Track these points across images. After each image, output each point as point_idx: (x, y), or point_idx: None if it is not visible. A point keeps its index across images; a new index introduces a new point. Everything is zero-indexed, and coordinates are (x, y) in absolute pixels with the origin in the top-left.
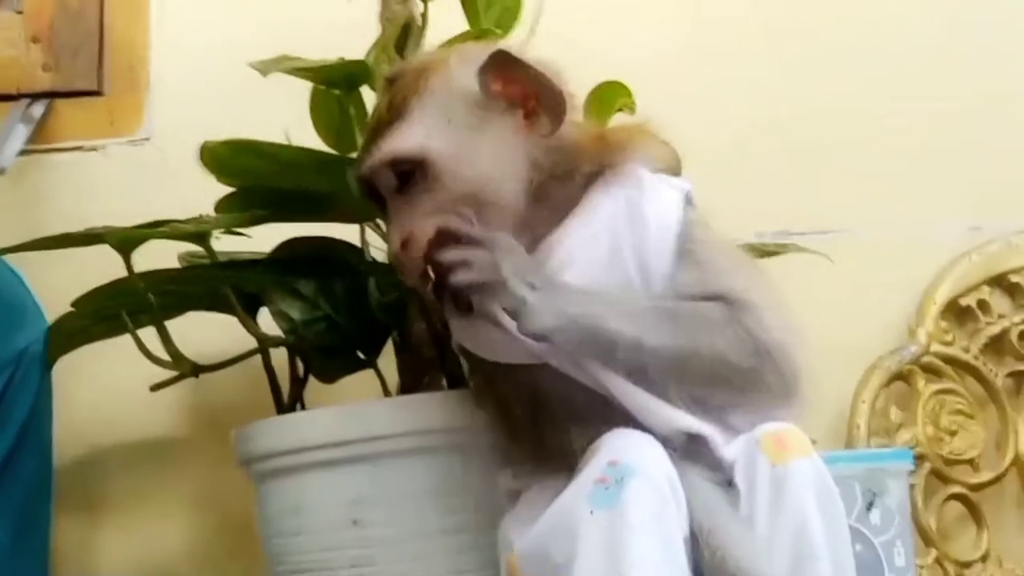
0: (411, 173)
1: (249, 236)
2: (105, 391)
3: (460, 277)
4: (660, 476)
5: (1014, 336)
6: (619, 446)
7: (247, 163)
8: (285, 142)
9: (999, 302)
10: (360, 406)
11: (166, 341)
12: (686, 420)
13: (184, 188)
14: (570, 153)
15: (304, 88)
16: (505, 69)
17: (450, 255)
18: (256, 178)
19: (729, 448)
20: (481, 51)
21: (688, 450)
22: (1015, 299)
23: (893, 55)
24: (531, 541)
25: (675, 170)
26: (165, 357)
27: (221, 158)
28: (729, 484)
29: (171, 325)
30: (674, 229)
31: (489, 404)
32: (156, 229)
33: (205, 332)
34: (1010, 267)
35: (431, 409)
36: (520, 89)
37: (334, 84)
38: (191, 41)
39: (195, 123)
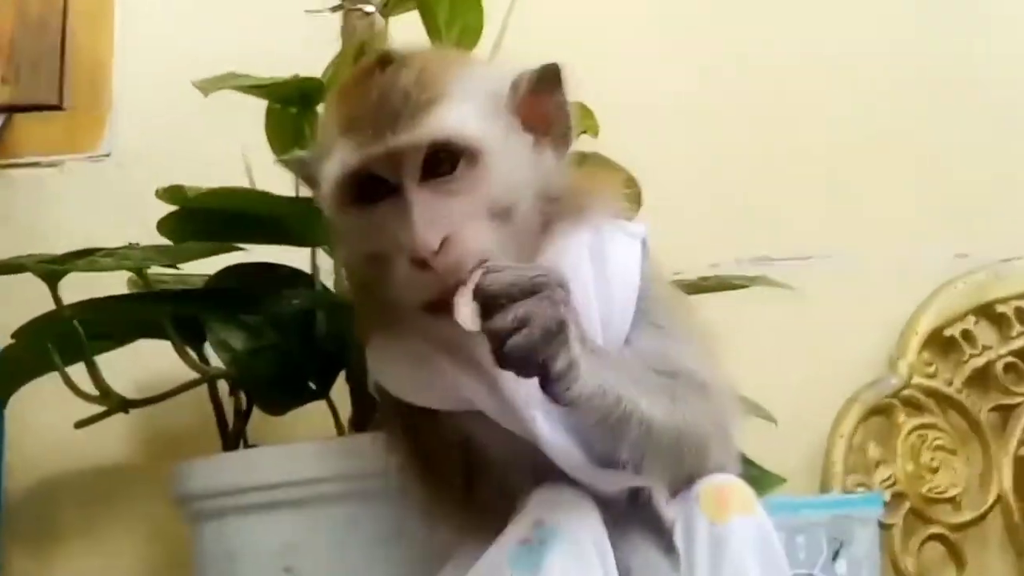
0: (448, 162)
1: (178, 270)
2: (57, 422)
3: (521, 340)
4: (586, 540)
5: (999, 369)
6: (547, 505)
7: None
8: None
9: (985, 333)
10: (293, 447)
11: (94, 375)
12: (631, 478)
13: (145, 205)
14: (558, 189)
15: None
16: (546, 86)
17: (512, 314)
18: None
19: (672, 506)
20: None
21: (631, 510)
22: (1002, 330)
23: (877, 78)
24: None
25: (633, 211)
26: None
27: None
28: (671, 545)
29: (120, 354)
30: (635, 285)
31: (410, 454)
32: (77, 261)
33: (157, 362)
34: (997, 296)
35: (368, 451)
36: (543, 112)
37: (289, 102)
38: (155, 57)
39: (157, 140)
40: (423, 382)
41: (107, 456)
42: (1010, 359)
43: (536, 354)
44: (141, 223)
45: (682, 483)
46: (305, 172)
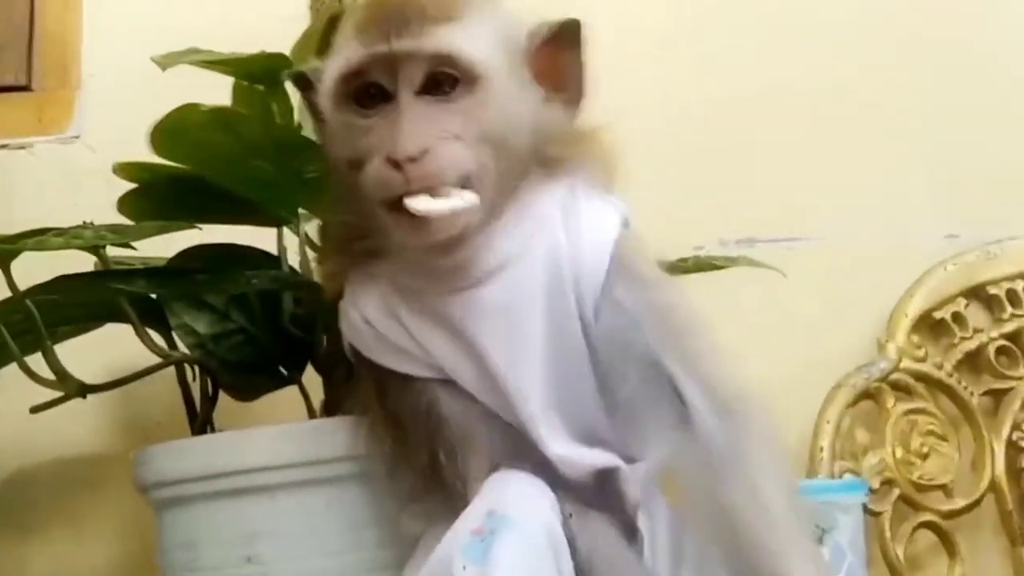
0: (449, 83)
1: (135, 249)
2: (21, 409)
3: None
4: (537, 530)
5: (992, 352)
6: (499, 492)
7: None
8: None
9: (976, 315)
10: (253, 432)
11: (50, 360)
12: (598, 456)
13: (115, 187)
14: (554, 144)
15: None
16: (563, 43)
17: None
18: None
19: (635, 484)
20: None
21: (595, 494)
22: (993, 312)
23: (866, 55)
24: None
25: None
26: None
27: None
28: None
29: (88, 340)
30: (610, 244)
31: (379, 423)
32: (27, 241)
33: (127, 347)
34: (988, 278)
35: (332, 436)
36: (557, 68)
37: (256, 79)
38: (124, 37)
39: (128, 121)
40: (397, 344)
41: (77, 443)
42: (1002, 342)
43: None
44: (111, 205)
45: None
46: (307, 84)
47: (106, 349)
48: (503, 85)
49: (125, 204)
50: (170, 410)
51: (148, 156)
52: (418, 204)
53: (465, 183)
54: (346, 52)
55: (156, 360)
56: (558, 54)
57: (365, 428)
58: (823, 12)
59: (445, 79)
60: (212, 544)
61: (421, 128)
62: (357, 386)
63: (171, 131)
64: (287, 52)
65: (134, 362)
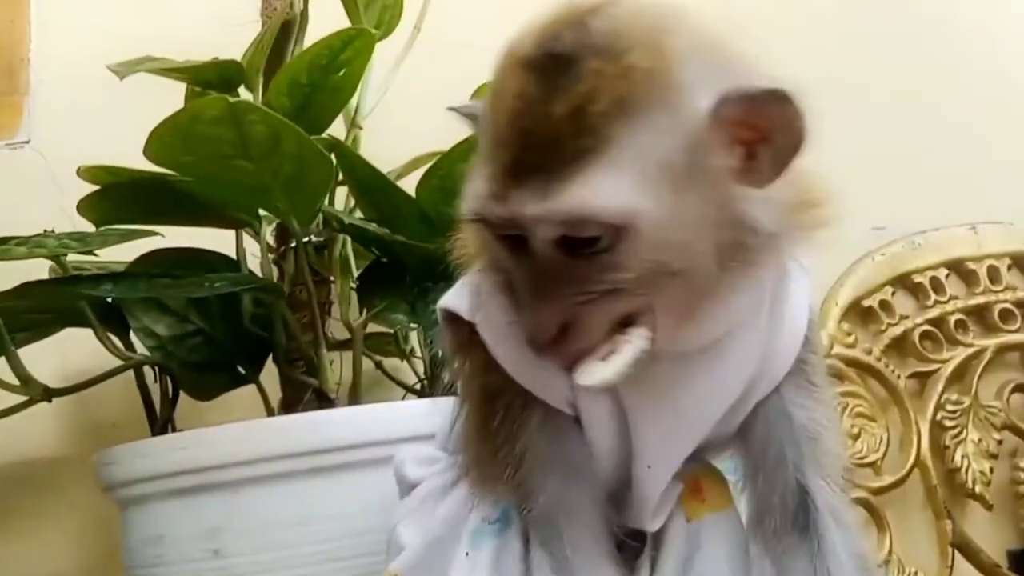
0: (588, 241)
1: (96, 256)
2: None
3: None
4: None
5: (916, 337)
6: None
7: None
8: None
9: (902, 302)
10: (218, 430)
11: (14, 364)
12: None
13: (66, 192)
14: (762, 222)
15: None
16: (764, 106)
17: None
18: None
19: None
20: (711, 54)
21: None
22: (918, 299)
23: (791, 50)
24: (410, 568)
25: None
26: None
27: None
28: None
29: (45, 345)
30: (802, 333)
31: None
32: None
33: (83, 351)
34: (913, 267)
35: (293, 432)
36: (757, 128)
37: (210, 85)
38: (73, 42)
39: (78, 126)
40: (542, 378)
41: (35, 447)
42: (927, 327)
43: None
44: (60, 210)
45: None
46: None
47: (61, 353)
48: (668, 214)
49: (85, 206)
50: (127, 412)
51: (99, 160)
52: (584, 380)
53: (629, 321)
54: (476, 184)
55: (115, 363)
56: (764, 109)
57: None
58: (753, 9)
59: (588, 229)
60: (179, 539)
61: (558, 300)
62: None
63: (178, 127)
64: (237, 56)
65: (89, 365)
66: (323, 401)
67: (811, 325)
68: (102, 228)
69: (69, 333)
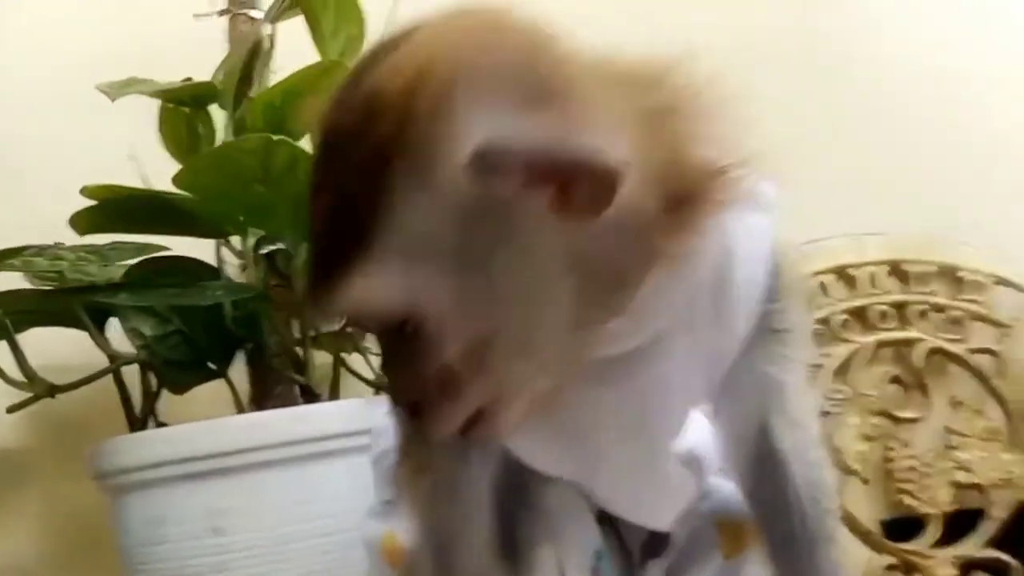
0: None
1: (106, 264)
2: None
3: None
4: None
5: None
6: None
7: None
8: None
9: None
10: (217, 422)
11: (21, 362)
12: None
13: (29, 203)
14: (630, 231)
15: (151, 102)
16: (509, 161)
17: None
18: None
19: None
20: (497, 100)
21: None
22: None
23: (733, 58)
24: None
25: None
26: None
27: None
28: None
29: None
30: (759, 290)
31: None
32: (12, 260)
33: (50, 347)
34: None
35: (286, 422)
36: (544, 173)
37: (184, 103)
38: (36, 55)
39: (40, 137)
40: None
41: (5, 442)
42: (816, 326)
43: None
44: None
45: None
46: None
47: (39, 351)
48: (459, 278)
49: (80, 219)
50: (92, 409)
51: (67, 173)
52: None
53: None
54: None
55: (74, 361)
56: (526, 168)
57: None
58: (686, 28)
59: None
60: (179, 520)
61: (403, 378)
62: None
63: (215, 157)
64: (198, 69)
65: (71, 363)
66: (308, 396)
67: (776, 271)
68: (113, 242)
69: (40, 332)
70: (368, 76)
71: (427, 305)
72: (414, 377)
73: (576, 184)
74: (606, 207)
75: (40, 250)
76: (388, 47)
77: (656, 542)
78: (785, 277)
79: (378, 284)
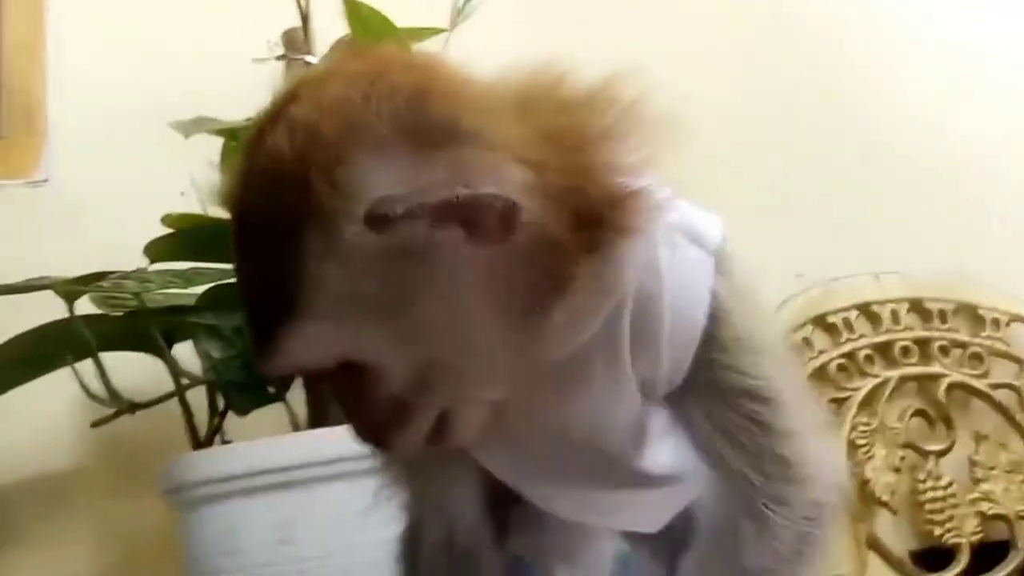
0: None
1: (186, 291)
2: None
3: None
4: None
5: (832, 368)
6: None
7: None
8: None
9: (820, 339)
10: (285, 437)
11: (105, 381)
12: None
13: (82, 231)
14: (540, 252)
15: (200, 135)
16: (409, 210)
17: None
18: None
19: None
20: (396, 150)
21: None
22: (833, 336)
23: (715, 104)
24: None
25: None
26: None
27: None
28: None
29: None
30: (699, 328)
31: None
32: (98, 284)
33: (117, 371)
34: (829, 309)
35: (346, 438)
36: (446, 213)
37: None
38: (89, 86)
39: (96, 167)
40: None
41: (58, 463)
42: (840, 360)
43: None
44: (75, 247)
45: None
46: None
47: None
48: (385, 321)
49: (157, 247)
50: (147, 431)
51: (115, 202)
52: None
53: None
54: None
55: (160, 384)
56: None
57: None
58: (673, 63)
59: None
60: (250, 531)
61: (357, 412)
62: None
63: None
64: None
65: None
66: None
67: (719, 318)
68: (193, 266)
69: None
70: (264, 145)
71: (362, 353)
72: (368, 410)
73: (479, 216)
74: (512, 234)
75: (125, 275)
76: (279, 111)
77: (681, 533)
78: (734, 329)
79: (309, 343)
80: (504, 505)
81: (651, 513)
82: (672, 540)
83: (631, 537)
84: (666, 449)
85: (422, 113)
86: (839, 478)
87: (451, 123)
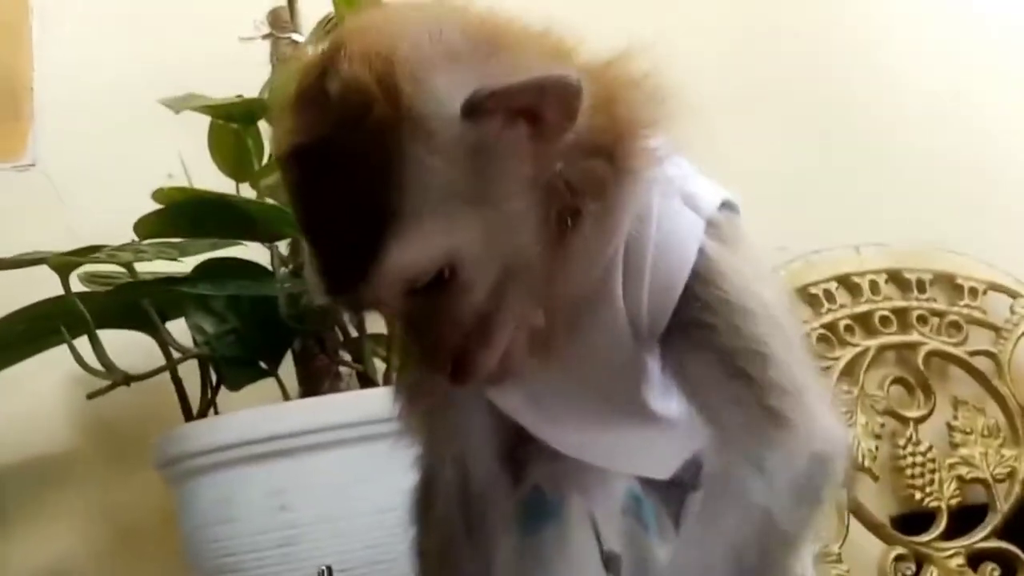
0: (430, 282)
1: (182, 261)
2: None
3: None
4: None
5: (814, 339)
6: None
7: None
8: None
9: (801, 310)
10: (277, 406)
11: (100, 354)
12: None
13: (69, 213)
14: (588, 150)
15: (185, 114)
16: (513, 94)
17: None
18: None
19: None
20: (435, 56)
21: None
22: (814, 307)
23: (700, 76)
24: None
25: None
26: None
27: None
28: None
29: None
30: (679, 279)
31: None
32: (93, 255)
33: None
34: (810, 280)
35: (342, 405)
36: (520, 102)
37: (234, 119)
38: (75, 68)
39: (82, 149)
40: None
41: (52, 439)
42: (821, 331)
43: None
44: (65, 229)
45: None
46: None
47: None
48: (480, 214)
49: (146, 224)
50: (149, 407)
51: (104, 184)
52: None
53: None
54: (309, 273)
55: (151, 360)
56: (507, 100)
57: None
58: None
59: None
60: (247, 499)
61: (435, 332)
62: None
63: None
64: (233, 82)
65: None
66: (365, 382)
67: (704, 277)
68: (188, 239)
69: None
70: (332, 80)
71: (462, 248)
72: (450, 331)
73: (544, 108)
74: (574, 120)
75: (119, 247)
76: (330, 59)
77: (688, 477)
78: (723, 291)
79: (418, 243)
80: (523, 445)
81: (659, 459)
82: (682, 488)
83: (644, 483)
84: (669, 394)
85: (466, 32)
86: (839, 433)
87: (495, 37)
